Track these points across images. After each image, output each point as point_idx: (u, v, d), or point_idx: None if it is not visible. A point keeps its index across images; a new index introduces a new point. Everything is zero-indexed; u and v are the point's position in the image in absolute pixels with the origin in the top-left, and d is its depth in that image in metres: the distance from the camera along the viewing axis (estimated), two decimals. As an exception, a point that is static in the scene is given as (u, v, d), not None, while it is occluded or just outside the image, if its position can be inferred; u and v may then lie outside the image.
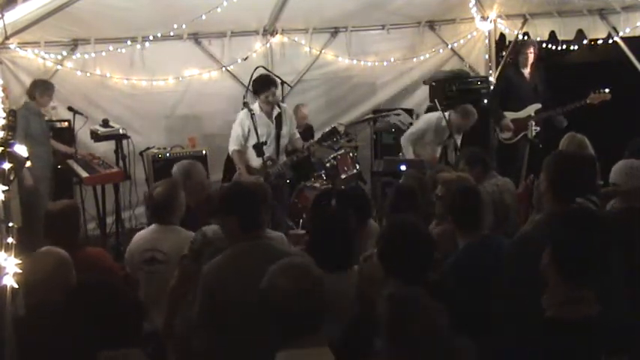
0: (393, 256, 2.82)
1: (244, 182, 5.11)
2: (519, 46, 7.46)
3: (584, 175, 3.33)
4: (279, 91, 7.67)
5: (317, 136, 7.36)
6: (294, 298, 2.29)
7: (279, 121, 6.11)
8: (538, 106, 7.11)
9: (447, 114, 6.68)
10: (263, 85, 6.10)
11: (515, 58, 7.52)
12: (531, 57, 7.20)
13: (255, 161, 6.19)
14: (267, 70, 7.65)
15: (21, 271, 2.10)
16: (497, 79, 8.02)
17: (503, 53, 8.87)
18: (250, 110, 5.98)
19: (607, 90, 6.68)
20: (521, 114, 7.14)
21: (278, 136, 6.14)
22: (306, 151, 6.27)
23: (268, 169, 6.09)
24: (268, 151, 6.17)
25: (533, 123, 7.02)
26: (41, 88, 6.52)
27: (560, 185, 3.07)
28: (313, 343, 2.31)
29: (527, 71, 7.26)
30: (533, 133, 6.96)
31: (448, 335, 2.25)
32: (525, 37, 8.17)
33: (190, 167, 4.82)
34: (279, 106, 6.24)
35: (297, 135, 6.54)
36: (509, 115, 7.27)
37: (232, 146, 6.25)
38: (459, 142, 6.96)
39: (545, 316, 2.25)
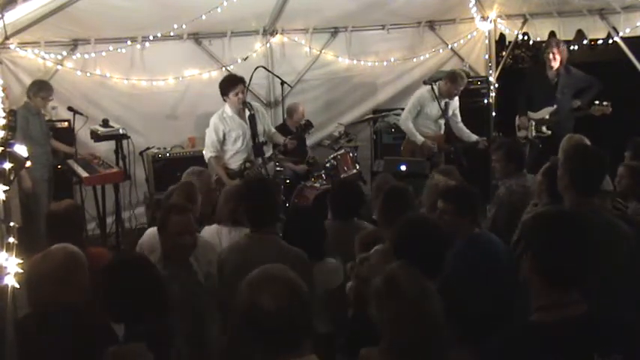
0: (407, 250, 2.84)
1: (263, 179, 5.17)
2: (544, 47, 7.31)
3: (604, 168, 3.29)
4: (278, 91, 7.77)
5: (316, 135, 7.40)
6: (279, 316, 2.05)
7: (253, 121, 6.11)
8: (552, 108, 7.04)
9: (436, 85, 6.95)
10: (230, 82, 6.14)
11: (543, 58, 7.31)
12: (557, 57, 6.99)
13: (235, 164, 6.21)
14: (268, 70, 7.70)
15: (29, 269, 2.10)
16: (528, 75, 7.82)
17: (503, 53, 8.86)
18: (223, 113, 6.11)
19: (606, 103, 6.63)
20: (536, 115, 7.10)
21: (254, 136, 6.12)
22: (284, 148, 6.27)
23: (247, 171, 6.10)
24: (245, 152, 6.19)
25: (534, 123, 7.02)
26: (40, 88, 6.50)
27: (583, 178, 3.05)
28: (298, 354, 2.10)
29: (551, 72, 7.08)
30: (534, 134, 6.96)
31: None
32: (525, 37, 8.17)
33: (208, 177, 4.93)
34: (252, 106, 6.25)
35: (274, 130, 6.59)
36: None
37: (208, 153, 6.24)
38: (456, 111, 7.14)
39: (529, 320, 2.18)
